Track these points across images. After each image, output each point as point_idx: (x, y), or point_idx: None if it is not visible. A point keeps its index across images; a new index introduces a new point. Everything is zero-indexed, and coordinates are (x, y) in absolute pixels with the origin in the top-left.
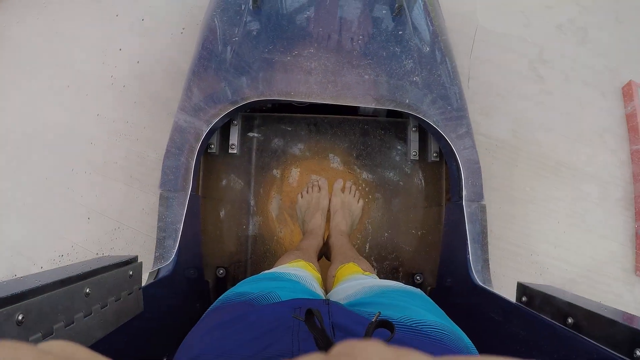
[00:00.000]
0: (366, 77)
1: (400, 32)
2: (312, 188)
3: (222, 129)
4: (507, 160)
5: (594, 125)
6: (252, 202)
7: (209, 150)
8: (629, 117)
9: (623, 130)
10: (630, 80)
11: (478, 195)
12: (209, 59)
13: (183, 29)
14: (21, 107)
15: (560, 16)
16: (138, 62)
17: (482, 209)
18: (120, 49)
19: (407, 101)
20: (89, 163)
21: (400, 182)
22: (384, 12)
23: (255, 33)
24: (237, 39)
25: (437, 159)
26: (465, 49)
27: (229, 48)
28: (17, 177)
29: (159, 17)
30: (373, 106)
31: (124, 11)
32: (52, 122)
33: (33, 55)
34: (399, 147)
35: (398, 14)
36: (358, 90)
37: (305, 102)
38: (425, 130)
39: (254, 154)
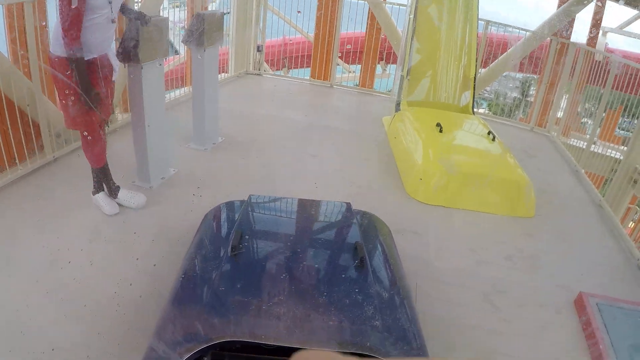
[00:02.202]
0: (330, 323)
1: (362, 281)
2: None
3: None
4: None
5: (553, 342)
6: None
7: None
8: (585, 327)
9: (581, 341)
10: (579, 292)
11: None
12: (187, 295)
13: (154, 265)
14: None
15: (510, 248)
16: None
17: None
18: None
19: (368, 344)
20: None
21: None
22: (348, 264)
23: (231, 278)
24: (214, 281)
25: None
26: (426, 290)
27: (205, 289)
28: None
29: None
30: (337, 350)
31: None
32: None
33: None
34: None
35: (360, 265)
36: (323, 335)
37: (273, 345)
38: None
39: None
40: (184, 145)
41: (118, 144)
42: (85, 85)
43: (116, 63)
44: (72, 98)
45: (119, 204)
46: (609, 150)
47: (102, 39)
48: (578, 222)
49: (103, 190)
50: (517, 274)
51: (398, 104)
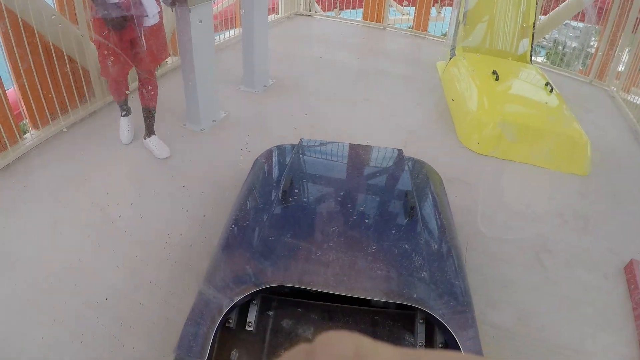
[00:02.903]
0: (379, 272)
1: (411, 231)
2: None
3: (241, 306)
4: (515, 349)
5: (598, 307)
6: None
7: (226, 324)
8: (633, 296)
9: (627, 309)
10: (631, 260)
11: None
12: (238, 239)
13: (204, 215)
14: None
15: (562, 206)
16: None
17: None
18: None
19: (415, 296)
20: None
21: None
22: (398, 212)
23: (281, 223)
24: (264, 225)
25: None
26: (473, 243)
27: (256, 233)
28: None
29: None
30: (383, 300)
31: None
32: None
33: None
34: (406, 338)
35: (410, 214)
36: (370, 285)
37: (321, 291)
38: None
39: (268, 333)
40: (234, 87)
41: (170, 87)
42: (103, 33)
43: (151, 7)
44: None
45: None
46: None
47: None
48: (635, 186)
49: (154, 134)
50: (567, 233)
51: (453, 49)
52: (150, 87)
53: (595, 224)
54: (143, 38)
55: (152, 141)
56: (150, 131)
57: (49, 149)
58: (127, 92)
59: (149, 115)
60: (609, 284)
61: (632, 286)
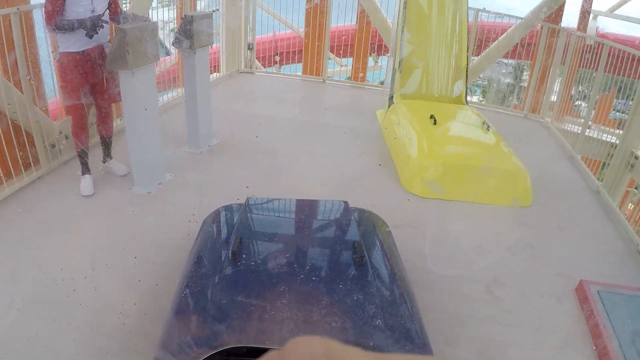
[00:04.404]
0: (333, 324)
1: (362, 281)
2: None
3: None
4: None
5: (555, 330)
6: None
7: None
8: (587, 315)
9: (583, 329)
10: (580, 280)
11: None
12: (190, 303)
13: (156, 284)
14: None
15: (509, 238)
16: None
17: None
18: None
19: (371, 344)
20: None
21: None
22: (348, 264)
23: (232, 283)
24: (216, 287)
25: None
26: (425, 284)
27: (208, 295)
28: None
29: None
30: None
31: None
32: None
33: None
34: None
35: (360, 263)
36: (326, 336)
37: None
38: None
39: None
40: (179, 149)
41: (114, 150)
42: (68, 77)
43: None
44: (63, 88)
45: (108, 171)
46: (605, 135)
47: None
48: (576, 210)
49: (88, 173)
50: (517, 264)
51: (391, 98)
52: (107, 120)
53: (543, 252)
54: (105, 78)
55: (112, 163)
56: (109, 155)
57: None
58: (86, 147)
59: (107, 143)
60: (563, 306)
61: (585, 305)
